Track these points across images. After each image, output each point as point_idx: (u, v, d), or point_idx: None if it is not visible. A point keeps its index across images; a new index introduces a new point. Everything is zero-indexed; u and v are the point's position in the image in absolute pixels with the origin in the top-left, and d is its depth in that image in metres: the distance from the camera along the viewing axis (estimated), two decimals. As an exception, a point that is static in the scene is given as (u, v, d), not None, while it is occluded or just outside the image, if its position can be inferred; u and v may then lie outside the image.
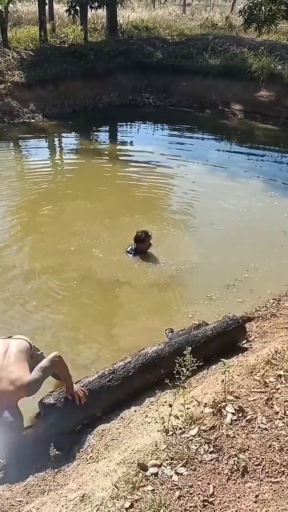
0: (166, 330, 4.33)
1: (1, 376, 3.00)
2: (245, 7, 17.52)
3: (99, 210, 7.25)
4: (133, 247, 5.87)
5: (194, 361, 2.44)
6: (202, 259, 5.81)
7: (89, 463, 2.86)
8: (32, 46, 14.74)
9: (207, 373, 3.66)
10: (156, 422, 2.63)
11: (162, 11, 24.15)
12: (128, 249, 5.90)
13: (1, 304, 4.92)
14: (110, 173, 9.32)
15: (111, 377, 3.39)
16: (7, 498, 2.69)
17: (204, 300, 5.03)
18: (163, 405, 3.14)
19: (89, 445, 3.04)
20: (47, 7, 16.09)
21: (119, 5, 17.44)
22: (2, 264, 5.67)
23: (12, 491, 2.77)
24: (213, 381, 3.38)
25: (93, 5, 15.73)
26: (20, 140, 11.54)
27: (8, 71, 13.09)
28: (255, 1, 17.00)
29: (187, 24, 19.88)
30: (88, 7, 15.89)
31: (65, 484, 2.69)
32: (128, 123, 13.91)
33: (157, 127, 13.56)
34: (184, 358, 2.45)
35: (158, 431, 2.39)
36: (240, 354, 3.85)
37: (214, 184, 8.70)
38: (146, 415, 3.20)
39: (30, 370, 3.14)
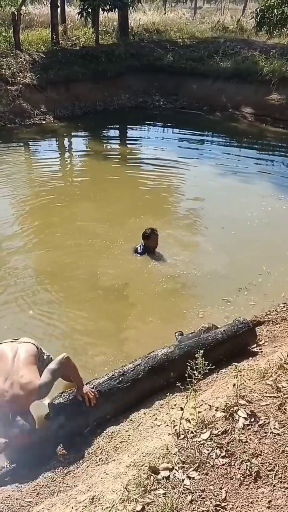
0: (175, 333, 4.32)
1: (12, 380, 3.01)
2: (257, 10, 17.47)
3: (109, 211, 7.26)
4: (141, 246, 5.87)
5: (206, 364, 2.42)
6: (213, 263, 5.79)
7: (98, 465, 2.85)
8: (43, 49, 14.82)
9: (216, 377, 3.64)
10: (167, 425, 2.62)
11: (173, 14, 24.19)
12: (136, 247, 5.90)
13: (9, 306, 4.94)
14: (119, 175, 9.33)
15: (120, 379, 3.38)
16: (16, 499, 2.69)
17: (215, 303, 5.00)
18: (173, 408, 3.13)
19: (99, 447, 3.04)
20: (59, 9, 16.16)
21: (131, 8, 17.46)
22: (11, 266, 5.69)
23: (21, 491, 2.77)
24: (223, 385, 3.36)
25: (105, 8, 15.79)
26: (30, 141, 11.61)
27: (20, 73, 13.17)
28: (267, 4, 16.94)
29: (198, 27, 19.86)
30: (100, 10, 15.94)
31: (74, 486, 2.68)
32: (138, 126, 13.94)
33: (167, 130, 13.57)
34: (196, 361, 2.43)
35: (169, 434, 2.37)
36: (250, 358, 3.82)
37: (224, 187, 8.68)
38: (156, 418, 3.18)
39: (39, 373, 3.16)
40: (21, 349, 3.29)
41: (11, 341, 3.39)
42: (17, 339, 3.45)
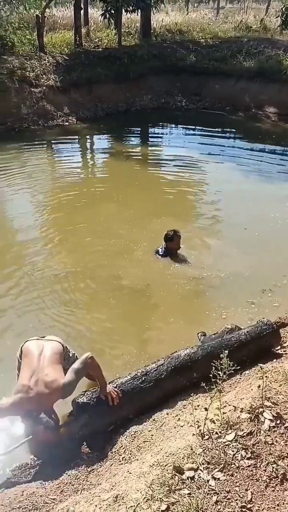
0: (198, 333, 4.31)
1: (37, 378, 3.04)
2: (283, 9, 17.28)
3: (130, 212, 7.27)
4: (163, 248, 5.86)
5: (231, 364, 2.40)
6: (237, 264, 5.73)
7: (121, 463, 2.85)
8: (67, 51, 14.96)
9: (240, 378, 3.61)
10: (190, 425, 2.61)
11: (195, 14, 24.08)
12: (158, 249, 5.89)
13: (30, 304, 4.99)
14: (141, 176, 9.35)
15: (143, 379, 3.39)
16: (41, 496, 2.72)
17: (238, 304, 4.95)
18: (196, 409, 3.12)
19: (122, 446, 3.04)
20: (82, 12, 16.30)
21: (154, 9, 17.48)
22: (33, 264, 5.75)
23: (45, 488, 2.79)
24: (246, 386, 3.33)
25: (128, 9, 15.84)
26: (53, 142, 11.73)
27: (44, 75, 13.32)
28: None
29: (221, 27, 19.73)
30: (123, 11, 16.01)
31: (98, 484, 2.69)
32: (160, 126, 13.94)
33: (189, 130, 13.52)
34: (221, 362, 2.41)
35: (193, 434, 2.36)
36: (274, 360, 3.78)
37: (247, 187, 8.60)
38: (179, 418, 3.18)
39: (63, 371, 3.19)
40: (47, 347, 3.32)
41: (38, 339, 3.43)
42: (44, 337, 3.49)
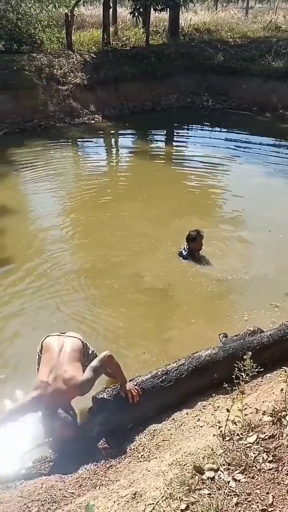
0: (220, 334, 4.28)
1: (56, 374, 3.07)
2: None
3: (154, 211, 7.27)
4: (185, 248, 5.83)
5: (254, 366, 2.38)
6: (260, 266, 5.66)
7: (140, 461, 2.86)
8: (94, 49, 15.07)
9: (261, 381, 3.57)
10: (211, 426, 2.60)
11: (224, 14, 23.94)
12: (181, 251, 5.87)
13: (51, 300, 5.02)
14: (165, 175, 9.35)
15: (164, 378, 3.38)
16: (59, 489, 2.74)
17: (261, 307, 4.89)
18: (215, 410, 3.10)
19: (140, 444, 3.05)
20: (111, 10, 16.37)
21: (183, 7, 17.43)
22: (56, 260, 5.80)
23: (64, 482, 2.82)
24: (268, 389, 3.29)
25: (156, 8, 15.84)
26: (79, 140, 11.82)
27: (71, 73, 13.43)
28: None
29: (249, 26, 19.55)
30: (152, 10, 16.01)
31: (116, 480, 2.70)
32: (186, 126, 13.88)
33: (214, 130, 13.43)
34: (244, 363, 2.39)
35: (214, 435, 2.35)
36: (297, 364, 3.72)
37: (271, 189, 8.49)
38: (199, 419, 3.16)
39: (83, 368, 3.20)
40: (68, 343, 3.34)
41: (59, 335, 3.45)
42: (64, 333, 3.51)
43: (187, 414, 3.29)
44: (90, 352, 3.51)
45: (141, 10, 15.81)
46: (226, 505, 1.81)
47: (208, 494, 1.88)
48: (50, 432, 3.06)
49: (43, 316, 4.75)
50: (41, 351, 3.35)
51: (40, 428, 3.17)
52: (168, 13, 17.66)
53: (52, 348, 3.27)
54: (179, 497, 1.92)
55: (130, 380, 3.32)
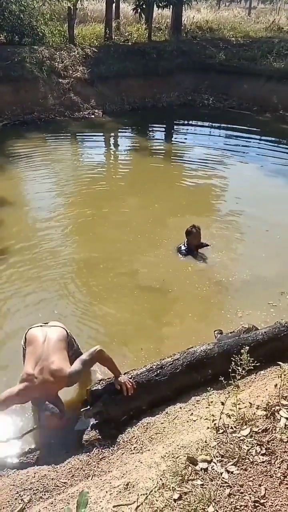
0: (215, 331, 4.29)
1: (42, 365, 3.06)
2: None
3: (152, 208, 7.26)
4: (184, 244, 5.86)
5: (251, 361, 2.40)
6: (256, 265, 5.69)
7: (133, 453, 2.88)
8: (96, 43, 15.02)
9: (255, 378, 3.59)
10: (206, 419, 2.60)
11: (227, 13, 23.94)
12: (180, 246, 5.90)
13: (47, 296, 5.00)
14: (164, 172, 9.34)
15: (158, 371, 3.40)
16: (52, 479, 2.75)
17: (256, 305, 4.92)
18: (209, 404, 3.12)
19: (134, 436, 3.06)
20: (113, 5, 16.31)
21: (186, 5, 17.40)
22: (55, 254, 5.80)
23: (57, 472, 2.83)
24: (261, 386, 3.32)
25: (160, 4, 15.80)
26: (78, 134, 11.80)
27: (72, 67, 13.40)
28: None
29: (252, 26, 19.57)
30: (155, 6, 15.97)
31: (109, 471, 2.72)
32: (186, 124, 13.88)
33: (214, 129, 13.43)
34: (241, 357, 2.41)
35: (208, 428, 2.37)
36: (290, 362, 3.74)
37: (269, 190, 8.51)
38: (192, 413, 3.18)
39: (69, 358, 3.21)
40: (51, 333, 3.34)
41: (41, 325, 3.45)
42: (47, 323, 3.51)
43: (180, 408, 3.31)
44: (74, 344, 3.53)
45: (144, 6, 15.78)
46: (219, 495, 1.82)
47: (201, 484, 1.90)
48: (38, 423, 3.08)
49: (38, 310, 4.74)
50: (25, 344, 3.34)
51: (28, 418, 3.19)
52: (171, 10, 17.61)
53: (36, 339, 3.26)
54: (172, 487, 1.94)
55: (125, 373, 3.33)
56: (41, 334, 3.31)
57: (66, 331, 3.46)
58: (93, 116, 12.99)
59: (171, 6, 16.47)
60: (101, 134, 12.36)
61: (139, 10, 16.09)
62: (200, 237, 5.84)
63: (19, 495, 2.61)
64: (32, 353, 3.17)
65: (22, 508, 2.47)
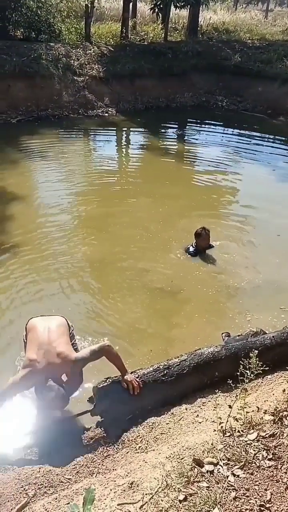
0: (222, 333, 4.29)
1: (46, 349, 3.07)
2: None
3: (161, 209, 7.25)
4: (193, 244, 5.86)
5: (259, 364, 2.40)
6: (266, 270, 5.66)
7: (137, 452, 2.88)
8: (112, 42, 15.03)
9: (261, 382, 3.58)
10: (211, 422, 2.61)
11: (244, 15, 23.87)
12: (188, 247, 5.90)
13: (56, 295, 5.02)
14: (175, 173, 9.35)
15: (165, 372, 3.40)
16: (57, 474, 2.77)
17: (265, 310, 4.90)
18: (215, 407, 3.12)
19: (139, 436, 3.07)
20: (130, 4, 16.32)
21: (204, 5, 17.36)
22: (62, 254, 5.80)
23: (62, 468, 2.85)
24: (268, 390, 3.31)
25: (177, 5, 15.78)
26: (91, 132, 11.85)
27: (88, 65, 13.42)
28: None
29: (269, 29, 19.49)
30: (172, 6, 15.96)
31: (113, 469, 2.73)
32: (199, 124, 13.84)
33: (227, 131, 13.39)
34: (249, 361, 2.41)
35: (214, 430, 2.37)
36: (298, 367, 3.73)
37: (282, 193, 8.45)
38: (197, 415, 3.18)
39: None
40: (52, 321, 3.38)
41: (42, 316, 3.51)
42: (48, 315, 3.57)
43: (186, 409, 3.31)
44: (75, 335, 3.56)
45: (161, 6, 15.77)
46: (225, 498, 1.83)
47: (206, 487, 1.90)
48: (43, 404, 3.05)
49: (46, 308, 4.75)
50: (26, 336, 3.35)
51: (33, 406, 3.20)
52: (188, 10, 17.59)
53: (37, 327, 3.28)
54: (178, 488, 1.94)
55: (131, 372, 3.34)
56: (42, 322, 3.34)
57: (68, 322, 3.48)
58: (106, 114, 13.02)
59: (188, 6, 16.43)
60: (114, 132, 12.38)
61: (156, 10, 16.07)
62: (209, 239, 5.86)
63: (24, 489, 2.63)
64: (33, 340, 3.18)
65: (26, 502, 2.49)
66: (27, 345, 3.23)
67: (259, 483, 1.90)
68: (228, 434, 2.24)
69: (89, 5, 14.10)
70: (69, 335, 3.35)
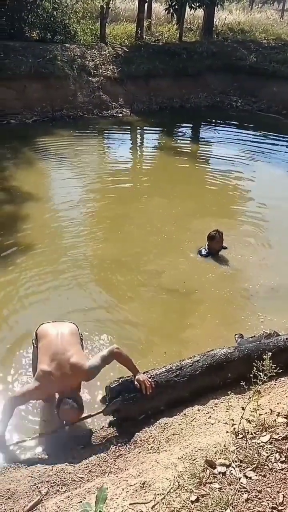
0: (235, 335, 4.28)
1: (59, 360, 3.05)
2: None
3: (175, 210, 7.23)
4: (206, 247, 5.84)
5: (273, 366, 2.39)
6: (278, 271, 5.63)
7: (150, 452, 2.89)
8: (127, 43, 15.05)
9: (275, 384, 3.56)
10: (223, 424, 2.61)
11: (259, 14, 23.70)
12: (201, 249, 5.89)
13: (71, 295, 5.03)
14: (189, 173, 9.33)
15: (178, 373, 3.40)
16: (69, 473, 2.80)
17: (280, 312, 4.85)
18: (228, 408, 3.11)
19: (151, 436, 3.08)
20: (146, 5, 16.34)
21: (219, 5, 17.31)
22: (77, 253, 5.84)
23: (74, 466, 2.87)
24: (282, 393, 3.29)
25: (192, 5, 15.75)
26: (105, 132, 11.90)
27: (102, 66, 13.47)
28: None
29: (284, 29, 19.35)
30: (187, 7, 15.94)
31: (125, 469, 2.74)
32: (213, 125, 13.80)
33: (242, 131, 13.31)
34: (263, 363, 2.40)
35: (227, 432, 2.37)
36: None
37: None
38: (210, 416, 3.18)
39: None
40: (64, 328, 3.35)
41: (53, 322, 3.47)
42: (57, 321, 3.53)
43: (198, 410, 3.31)
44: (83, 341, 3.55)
45: (176, 7, 15.76)
46: (237, 500, 1.83)
47: (219, 488, 1.90)
48: (57, 417, 3.09)
49: (59, 312, 4.76)
50: (36, 341, 3.34)
51: (49, 413, 3.23)
52: (203, 10, 17.54)
53: (49, 334, 3.26)
54: (190, 489, 1.95)
55: (144, 372, 3.35)
56: (54, 329, 3.31)
57: (77, 327, 3.47)
58: (121, 115, 13.05)
59: (204, 6, 16.39)
60: (129, 133, 12.41)
61: (171, 10, 16.08)
62: (222, 242, 5.82)
63: (37, 487, 2.66)
64: (46, 348, 3.17)
65: (39, 500, 2.52)
66: (39, 354, 3.21)
67: (272, 485, 1.89)
68: (240, 436, 2.24)
69: (104, 6, 14.16)
70: (80, 344, 3.36)
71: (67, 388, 3.05)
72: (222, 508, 1.77)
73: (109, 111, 12.98)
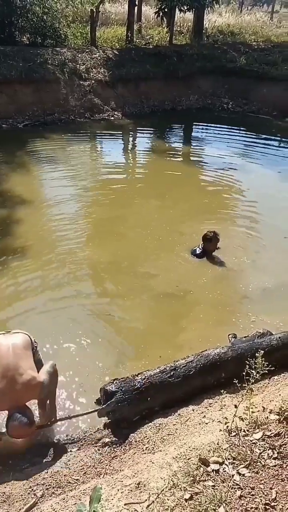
0: (229, 335, 4.31)
1: (11, 376, 2.94)
2: None
3: (169, 212, 7.26)
4: (200, 246, 5.86)
5: (265, 365, 2.41)
6: (273, 272, 5.66)
7: (144, 453, 2.90)
8: (118, 46, 15.09)
9: (268, 383, 3.59)
10: (219, 422, 2.63)
11: (249, 17, 23.81)
12: (195, 249, 5.90)
13: (65, 299, 5.03)
14: (182, 176, 9.34)
15: (172, 373, 3.42)
16: (64, 475, 2.80)
17: (273, 312, 4.88)
18: (221, 408, 3.13)
19: (146, 436, 3.09)
20: (135, 8, 16.39)
21: (209, 8, 17.40)
22: (69, 256, 5.82)
23: (69, 469, 2.87)
24: (275, 391, 3.32)
25: (182, 8, 15.82)
26: (97, 136, 11.91)
27: (93, 69, 13.48)
28: None
29: (274, 31, 19.48)
30: (177, 10, 16.01)
31: (120, 470, 2.75)
32: (205, 127, 13.84)
33: (233, 133, 13.36)
34: (255, 361, 2.42)
35: (220, 430, 2.39)
36: (304, 368, 3.73)
37: (287, 195, 8.46)
38: (204, 416, 3.20)
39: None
40: (16, 340, 3.18)
41: (3, 333, 3.29)
42: (9, 332, 3.35)
43: (193, 410, 3.33)
44: (39, 355, 3.44)
45: (166, 10, 15.82)
46: (230, 497, 1.84)
47: (212, 485, 1.92)
48: (7, 433, 2.94)
49: (53, 312, 4.78)
50: None
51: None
52: (192, 13, 17.62)
53: (0, 348, 3.09)
54: (183, 487, 1.96)
55: (138, 374, 3.36)
56: (6, 343, 3.13)
57: (30, 338, 3.32)
58: (112, 118, 13.07)
59: (193, 9, 16.46)
60: (120, 135, 12.44)
61: (161, 14, 16.13)
62: (217, 244, 5.85)
63: (32, 489, 2.66)
64: None
65: (34, 502, 2.52)
66: None
67: (264, 482, 1.91)
68: (233, 433, 2.26)
69: (94, 10, 14.19)
70: (32, 353, 3.23)
71: (19, 403, 2.95)
72: (216, 506, 1.78)
73: (101, 114, 13.00)
